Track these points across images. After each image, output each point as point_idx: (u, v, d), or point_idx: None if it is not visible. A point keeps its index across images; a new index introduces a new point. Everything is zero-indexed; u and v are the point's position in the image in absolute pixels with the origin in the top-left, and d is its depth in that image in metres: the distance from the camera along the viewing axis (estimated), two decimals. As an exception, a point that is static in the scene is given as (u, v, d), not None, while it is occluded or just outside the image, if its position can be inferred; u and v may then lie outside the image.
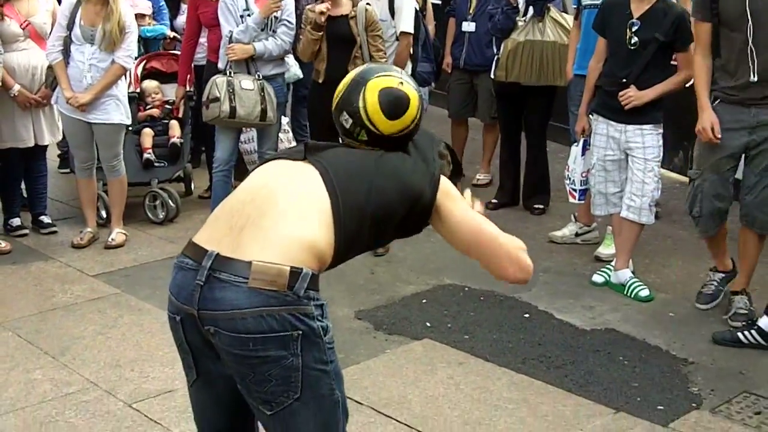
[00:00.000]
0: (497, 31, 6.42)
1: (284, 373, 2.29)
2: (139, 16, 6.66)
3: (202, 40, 6.39)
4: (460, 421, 3.81)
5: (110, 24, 5.58)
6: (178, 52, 6.74)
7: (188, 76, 6.52)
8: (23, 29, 5.81)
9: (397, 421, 3.80)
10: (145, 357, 4.36)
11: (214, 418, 2.55)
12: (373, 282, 5.32)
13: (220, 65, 5.84)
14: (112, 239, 5.87)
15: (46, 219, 6.18)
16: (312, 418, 2.35)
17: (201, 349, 2.41)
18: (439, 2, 8.62)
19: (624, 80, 5.02)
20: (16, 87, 5.77)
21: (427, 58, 6.76)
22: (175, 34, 7.23)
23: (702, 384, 4.13)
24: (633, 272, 5.23)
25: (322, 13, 5.48)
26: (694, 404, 3.96)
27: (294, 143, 6.63)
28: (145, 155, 6.41)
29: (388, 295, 5.12)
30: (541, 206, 6.59)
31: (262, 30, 5.77)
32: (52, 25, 5.84)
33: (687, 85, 5.02)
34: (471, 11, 6.95)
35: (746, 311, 4.69)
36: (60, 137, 6.24)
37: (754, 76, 4.40)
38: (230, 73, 5.72)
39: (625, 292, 5.12)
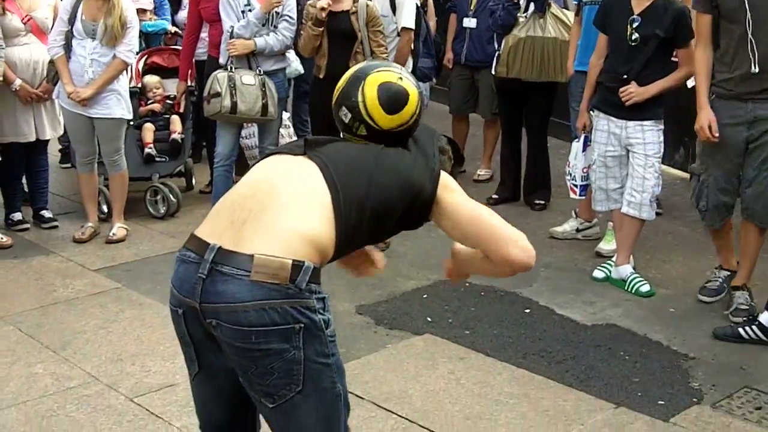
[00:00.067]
0: (498, 27, 6.43)
1: (286, 366, 2.30)
2: (141, 11, 6.67)
3: (203, 35, 6.40)
4: (461, 415, 3.82)
5: (112, 19, 5.59)
6: (179, 47, 6.75)
7: (189, 71, 6.52)
8: (25, 24, 5.82)
9: (398, 415, 3.80)
10: (146, 351, 4.37)
11: (215, 411, 2.56)
12: (373, 277, 5.30)
13: (221, 60, 5.85)
14: (113, 234, 5.88)
15: (47, 213, 6.19)
16: (314, 411, 2.36)
17: (203, 342, 2.41)
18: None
19: (625, 76, 5.02)
20: (18, 81, 5.77)
21: (428, 53, 6.76)
22: (177, 29, 7.23)
23: (703, 379, 4.14)
24: (634, 268, 5.23)
25: (323, 8, 5.48)
26: (694, 399, 3.97)
27: (295, 138, 6.63)
28: (146, 150, 6.41)
29: (388, 290, 5.12)
30: (542, 202, 6.60)
31: (263, 25, 5.78)
32: (54, 20, 5.85)
33: (689, 86, 5.02)
34: (472, 7, 6.96)
35: (747, 306, 4.70)
36: (61, 132, 6.25)
37: (755, 67, 4.41)
38: (231, 68, 5.73)
39: (625, 288, 5.12)
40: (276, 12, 5.79)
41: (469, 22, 6.96)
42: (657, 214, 5.38)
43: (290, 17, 5.85)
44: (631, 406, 3.89)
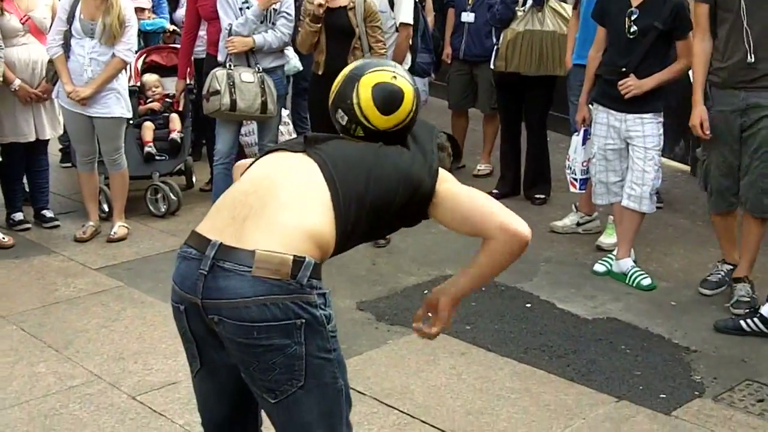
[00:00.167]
0: (496, 22, 6.43)
1: (288, 362, 2.30)
2: (139, 10, 6.65)
3: (202, 33, 6.39)
4: (463, 410, 3.82)
5: (110, 18, 5.59)
6: (178, 46, 6.74)
7: (188, 69, 6.52)
8: (23, 24, 5.82)
9: (400, 411, 3.81)
10: (148, 349, 4.37)
11: (217, 407, 2.56)
12: (374, 273, 5.32)
13: (220, 58, 5.84)
14: (114, 233, 5.89)
15: (48, 213, 6.20)
16: (315, 406, 2.37)
17: (205, 338, 2.42)
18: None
19: (623, 69, 5.02)
20: (17, 82, 5.77)
21: (426, 49, 6.76)
22: (175, 28, 7.22)
23: (704, 372, 4.14)
24: (634, 261, 5.23)
25: (320, 4, 5.48)
26: (696, 392, 3.97)
27: (294, 135, 6.63)
28: (146, 149, 6.41)
29: (389, 286, 5.13)
30: (542, 196, 6.60)
31: (262, 22, 5.77)
32: (52, 20, 5.84)
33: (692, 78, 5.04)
34: (470, 2, 6.96)
35: (748, 299, 4.70)
36: (61, 131, 6.25)
37: (750, 57, 4.43)
38: (230, 65, 5.72)
39: (626, 281, 5.13)
40: (274, 9, 5.78)
41: (467, 17, 6.96)
42: (657, 207, 5.39)
43: (288, 14, 5.85)
44: (633, 400, 3.89)
